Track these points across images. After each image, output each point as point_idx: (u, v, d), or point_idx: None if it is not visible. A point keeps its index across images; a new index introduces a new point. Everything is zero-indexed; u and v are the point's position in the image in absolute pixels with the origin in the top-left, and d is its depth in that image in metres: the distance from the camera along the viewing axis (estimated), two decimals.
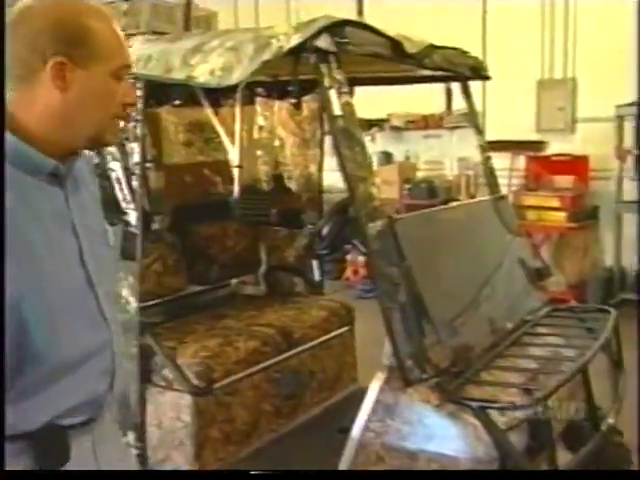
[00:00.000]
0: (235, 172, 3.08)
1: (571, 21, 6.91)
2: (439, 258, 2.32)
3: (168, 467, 2.71)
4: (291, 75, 2.66)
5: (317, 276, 2.94)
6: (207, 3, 4.05)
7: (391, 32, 2.22)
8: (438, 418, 1.98)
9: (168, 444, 2.71)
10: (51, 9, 1.36)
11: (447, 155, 8.06)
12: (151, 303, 3.07)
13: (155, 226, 3.25)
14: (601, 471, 2.05)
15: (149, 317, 2.88)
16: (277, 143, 3.63)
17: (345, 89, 2.04)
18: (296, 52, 2.04)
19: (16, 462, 1.38)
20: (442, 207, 3.72)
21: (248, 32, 2.18)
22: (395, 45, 2.20)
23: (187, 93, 3.13)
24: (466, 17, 7.39)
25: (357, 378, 3.54)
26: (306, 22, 2.03)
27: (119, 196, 2.58)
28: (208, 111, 3.01)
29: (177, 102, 3.15)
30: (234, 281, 3.77)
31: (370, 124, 7.63)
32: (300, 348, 3.12)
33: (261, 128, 3.65)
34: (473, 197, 7.41)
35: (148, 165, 3.14)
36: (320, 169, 3.58)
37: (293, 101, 2.47)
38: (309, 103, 3.44)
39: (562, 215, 6.55)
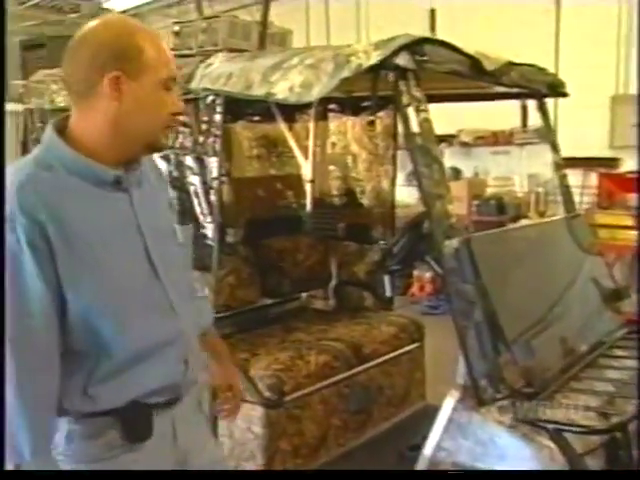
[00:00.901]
0: (308, 187, 3.12)
1: (637, 40, 6.76)
2: (514, 277, 2.29)
3: None
4: (368, 92, 2.70)
5: (388, 292, 2.93)
6: (282, 21, 4.12)
7: (469, 49, 2.22)
8: (512, 439, 1.95)
9: (238, 455, 2.75)
10: (106, 32, 1.54)
11: (516, 171, 7.97)
12: (224, 314, 3.12)
13: (229, 239, 3.30)
14: (601, 471, 1.98)
15: (222, 328, 2.92)
16: (350, 158, 3.66)
17: (423, 106, 2.05)
18: (375, 69, 2.06)
19: (104, 436, 1.57)
20: (518, 226, 3.68)
21: (327, 50, 2.21)
22: (474, 62, 2.19)
23: (262, 109, 3.20)
24: (539, 32, 7.31)
25: (425, 395, 3.52)
26: (385, 40, 2.04)
27: (197, 209, 2.64)
28: (282, 126, 3.05)
29: (253, 118, 3.21)
30: (304, 295, 3.80)
31: (439, 140, 7.61)
32: (370, 364, 3.13)
33: (334, 143, 3.68)
34: (543, 214, 7.31)
35: (223, 179, 3.20)
36: (393, 185, 3.58)
37: (369, 118, 2.48)
38: (382, 119, 3.46)
39: (635, 234, 6.38)
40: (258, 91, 2.28)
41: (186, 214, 2.66)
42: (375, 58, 2.01)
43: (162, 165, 2.76)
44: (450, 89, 2.89)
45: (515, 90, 2.69)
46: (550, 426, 1.90)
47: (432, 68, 2.06)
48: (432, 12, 8.21)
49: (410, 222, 2.44)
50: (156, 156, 2.77)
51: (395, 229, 3.54)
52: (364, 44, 2.10)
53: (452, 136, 8.02)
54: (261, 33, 3.58)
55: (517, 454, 1.95)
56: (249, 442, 2.70)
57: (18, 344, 1.44)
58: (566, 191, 2.96)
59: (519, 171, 7.93)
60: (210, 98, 2.46)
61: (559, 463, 1.90)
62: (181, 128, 2.64)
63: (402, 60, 2.00)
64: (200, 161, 2.61)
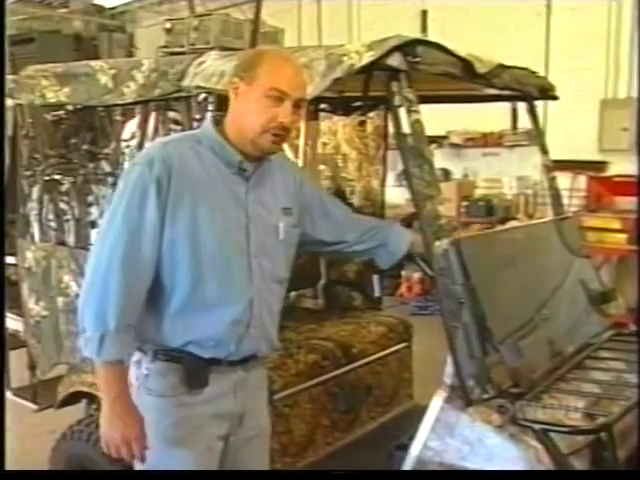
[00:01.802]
0: None
1: (637, 40, 6.79)
2: (503, 278, 2.31)
3: None
4: (359, 92, 2.70)
5: (377, 292, 2.95)
6: (274, 20, 4.13)
7: (461, 51, 2.23)
8: (499, 439, 1.97)
9: None
10: (249, 52, 2.10)
11: (506, 173, 8.00)
12: None
13: None
14: (601, 471, 2.00)
15: None
16: (340, 158, 3.66)
17: (415, 107, 2.06)
18: (367, 70, 2.07)
19: (170, 377, 1.97)
20: (507, 227, 3.69)
21: (320, 49, 2.21)
22: (465, 65, 2.21)
23: None
24: (529, 35, 7.35)
25: (413, 395, 3.53)
26: (378, 40, 2.05)
27: None
28: None
29: None
30: (293, 294, 3.81)
31: (429, 141, 7.63)
32: (359, 363, 3.13)
33: (325, 143, 3.68)
34: (532, 216, 7.35)
35: None
36: (383, 185, 3.59)
37: (360, 118, 2.49)
38: (373, 119, 3.47)
39: (623, 237, 6.43)
40: None
41: None
42: (367, 59, 2.01)
43: None
44: (441, 90, 2.90)
45: (506, 92, 2.70)
46: (536, 426, 1.92)
47: (424, 69, 2.07)
48: (423, 13, 8.24)
49: (400, 222, 2.44)
50: None
51: None
52: (356, 44, 2.11)
53: (442, 137, 8.05)
54: (253, 32, 3.59)
55: (504, 454, 1.96)
56: None
57: (129, 249, 1.85)
58: (555, 194, 2.98)
59: (508, 173, 7.97)
60: (202, 96, 2.46)
61: (545, 463, 1.91)
62: (172, 126, 2.64)
63: (394, 61, 2.00)
64: None
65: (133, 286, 1.88)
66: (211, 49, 3.10)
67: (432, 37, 2.26)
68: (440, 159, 8.00)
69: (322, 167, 3.75)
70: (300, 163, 3.10)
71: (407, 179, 2.07)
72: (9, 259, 3.27)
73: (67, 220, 3.07)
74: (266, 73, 1.89)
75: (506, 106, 2.91)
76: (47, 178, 3.10)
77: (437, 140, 7.87)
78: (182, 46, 3.59)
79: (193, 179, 1.91)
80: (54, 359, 3.16)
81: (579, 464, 1.96)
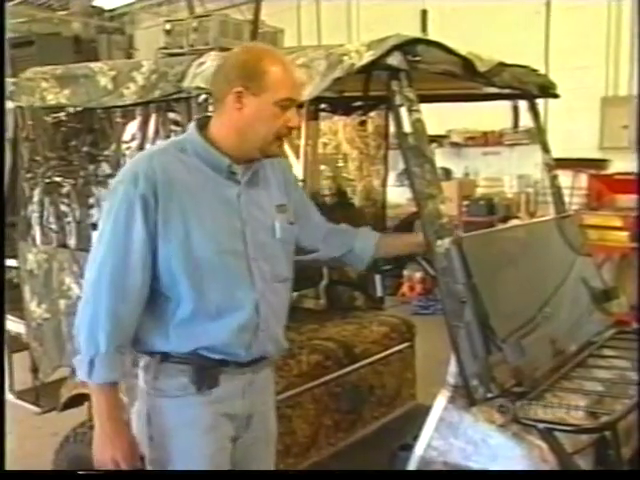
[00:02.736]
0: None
1: (637, 37, 6.79)
2: (505, 277, 2.30)
3: None
4: (359, 91, 2.70)
5: (379, 292, 2.95)
6: (273, 21, 4.12)
7: (461, 50, 2.22)
8: (503, 438, 1.96)
9: None
10: (242, 55, 1.95)
11: (506, 172, 8.00)
12: None
13: None
14: (601, 471, 2.00)
15: None
16: (341, 158, 3.66)
17: (415, 107, 2.05)
18: (368, 69, 2.06)
19: (179, 377, 1.97)
20: (509, 226, 3.68)
21: (320, 49, 2.20)
22: (466, 63, 2.20)
23: None
24: (529, 33, 7.34)
25: (416, 395, 3.53)
26: (378, 40, 2.04)
27: None
28: None
29: None
30: (295, 294, 3.80)
31: (429, 140, 7.63)
32: (361, 363, 3.13)
33: (325, 143, 3.68)
34: (533, 215, 7.34)
35: None
36: (384, 185, 3.59)
37: (361, 118, 2.48)
38: (374, 119, 3.46)
39: (624, 235, 6.42)
40: None
41: None
42: (367, 58, 2.00)
43: None
44: (442, 89, 2.90)
45: (506, 91, 2.70)
46: (540, 425, 1.91)
47: (425, 68, 2.06)
48: (423, 13, 8.23)
49: (401, 222, 2.44)
50: None
51: (386, 229, 3.54)
52: (356, 44, 2.10)
53: (442, 136, 8.04)
54: (252, 32, 3.58)
55: (508, 453, 1.95)
56: None
57: (116, 272, 1.85)
58: (557, 192, 2.97)
59: (509, 172, 7.97)
60: (202, 97, 2.45)
61: (550, 462, 1.90)
62: (173, 127, 2.64)
63: (394, 60, 1.99)
64: None
65: (122, 309, 1.88)
66: (210, 50, 3.10)
67: (432, 37, 2.25)
68: (441, 158, 8.00)
69: (323, 167, 3.75)
70: (301, 163, 3.09)
71: (408, 178, 2.06)
72: (10, 262, 3.27)
73: (68, 222, 3.06)
74: (276, 84, 1.89)
75: (506, 104, 2.90)
76: (48, 180, 3.10)
77: (437, 139, 7.86)
78: (181, 47, 3.59)
79: (181, 190, 1.88)
80: (56, 361, 3.15)
81: (583, 463, 1.95)
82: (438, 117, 3.57)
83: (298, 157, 3.20)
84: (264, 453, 2.22)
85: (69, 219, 3.06)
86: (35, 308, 3.18)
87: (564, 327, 2.48)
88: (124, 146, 2.81)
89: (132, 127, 2.77)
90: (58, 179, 3.07)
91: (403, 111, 2.07)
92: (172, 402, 1.99)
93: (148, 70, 2.67)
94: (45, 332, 3.16)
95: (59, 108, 3.00)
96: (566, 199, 3.12)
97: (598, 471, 1.98)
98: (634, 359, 2.42)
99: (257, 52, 1.95)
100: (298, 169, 3.25)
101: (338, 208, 3.69)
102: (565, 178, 6.56)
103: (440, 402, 2.06)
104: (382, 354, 3.27)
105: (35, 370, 3.30)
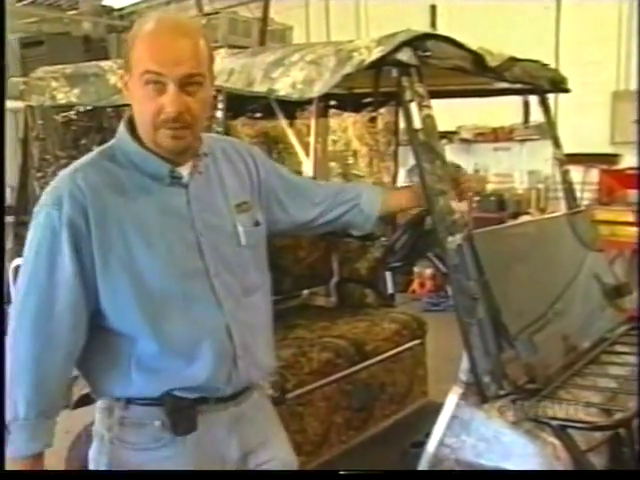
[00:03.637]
0: None
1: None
2: (517, 273, 2.29)
3: None
4: (369, 88, 2.69)
5: (390, 289, 2.94)
6: (282, 18, 4.11)
7: (471, 45, 2.21)
8: (515, 435, 1.95)
9: None
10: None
11: (517, 168, 7.97)
12: None
13: None
14: (601, 471, 1.98)
15: None
16: (351, 155, 3.65)
17: (426, 102, 2.04)
18: (377, 65, 2.05)
19: (150, 425, 1.64)
20: (520, 222, 3.67)
21: (329, 45, 2.19)
22: (477, 58, 2.18)
23: (263, 105, 3.19)
24: (539, 27, 7.30)
25: (427, 392, 3.52)
26: (387, 35, 2.03)
27: None
28: (283, 123, 3.04)
29: (254, 114, 3.20)
30: (305, 292, 3.80)
31: (439, 136, 7.61)
32: (372, 360, 3.13)
33: (335, 140, 3.67)
34: (543, 211, 7.31)
35: None
36: (394, 181, 3.58)
37: (371, 114, 2.47)
38: (384, 115, 3.45)
39: (636, 230, 6.38)
40: (260, 87, 2.27)
41: None
42: (377, 54, 1.99)
43: None
44: (452, 85, 2.88)
45: (517, 86, 2.68)
46: (554, 422, 1.90)
47: (435, 64, 2.05)
48: (433, 8, 8.20)
49: (412, 219, 2.42)
50: None
51: (396, 225, 3.53)
52: (366, 40, 2.09)
53: (452, 133, 8.02)
54: (261, 29, 3.58)
55: (521, 451, 1.94)
56: None
57: (38, 317, 1.53)
58: (568, 187, 2.95)
59: (519, 167, 7.94)
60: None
61: (563, 460, 1.89)
62: None
63: (404, 56, 1.98)
64: None
65: (48, 360, 1.55)
66: (219, 48, 3.09)
67: (441, 32, 2.23)
68: (451, 155, 7.95)
69: (333, 164, 3.74)
70: (311, 161, 3.09)
71: (419, 175, 2.05)
72: (21, 261, 3.27)
73: None
74: (138, 53, 1.51)
75: (516, 100, 2.89)
76: None
77: (447, 136, 7.83)
78: None
79: (117, 209, 1.55)
80: None
81: (597, 461, 1.94)
82: (448, 113, 3.55)
83: (308, 154, 3.18)
84: None
85: None
86: None
87: (576, 323, 2.46)
88: None
89: None
90: None
91: (413, 107, 2.06)
92: (142, 456, 1.65)
93: None
94: None
95: (69, 107, 3.01)
96: (577, 194, 3.10)
97: (599, 471, 1.96)
98: None
99: (140, 21, 1.59)
100: (308, 166, 3.23)
101: None
102: (576, 173, 6.51)
103: (452, 399, 2.06)
104: (393, 351, 3.26)
105: None
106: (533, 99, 2.85)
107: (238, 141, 1.86)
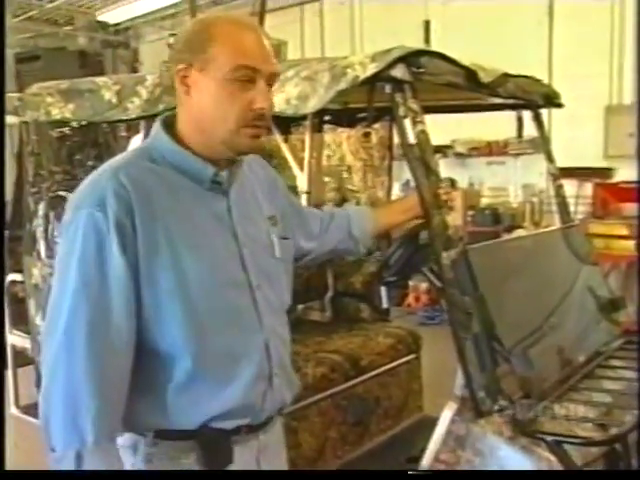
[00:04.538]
0: (303, 198, 3.11)
1: (636, 45, 6.78)
2: (512, 288, 2.29)
3: None
4: (363, 103, 2.69)
5: (385, 303, 2.93)
6: (277, 33, 4.12)
7: (464, 61, 2.22)
8: (511, 451, 1.94)
9: None
10: (191, 25, 1.51)
11: (511, 182, 7.99)
12: None
13: None
14: (601, 471, 1.98)
15: None
16: (345, 169, 3.67)
17: (420, 118, 2.05)
18: (371, 81, 2.05)
19: (177, 462, 1.50)
20: (515, 236, 3.68)
21: (323, 61, 2.21)
22: (470, 74, 2.20)
23: None
24: (532, 42, 7.35)
25: (422, 406, 3.51)
26: (382, 52, 2.04)
27: None
28: (278, 138, 3.05)
29: None
30: (300, 307, 3.79)
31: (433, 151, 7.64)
32: (367, 375, 3.12)
33: (329, 155, 3.68)
34: (538, 224, 7.32)
35: None
36: (389, 196, 3.59)
37: (365, 129, 2.47)
38: (378, 130, 3.47)
39: (631, 243, 6.39)
40: None
41: None
42: (371, 70, 2.00)
43: None
44: (445, 100, 2.90)
45: (510, 101, 2.70)
46: (549, 438, 1.89)
47: (428, 80, 2.06)
48: (426, 24, 8.24)
49: (407, 233, 2.43)
50: None
51: (391, 240, 3.53)
52: (360, 56, 2.10)
53: (446, 147, 8.04)
54: None
55: (516, 466, 1.94)
56: None
57: (94, 325, 1.37)
58: (562, 201, 2.96)
59: (514, 181, 7.96)
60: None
61: None
62: None
63: (398, 72, 1.99)
64: None
65: (111, 373, 1.40)
66: None
67: (435, 47, 2.25)
68: (445, 169, 7.99)
69: (327, 179, 3.75)
70: (305, 175, 3.09)
71: (416, 189, 2.05)
72: (16, 276, 3.27)
73: None
74: (225, 49, 1.43)
75: (510, 114, 2.90)
76: (52, 195, 3.11)
77: (441, 150, 7.85)
78: None
79: (163, 210, 1.44)
80: None
81: None
82: (442, 127, 3.57)
83: (302, 169, 3.19)
84: None
85: None
86: (40, 322, 3.18)
87: (571, 337, 2.47)
88: None
89: (136, 141, 2.78)
90: (63, 193, 3.08)
91: (407, 122, 2.07)
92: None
93: (152, 84, 2.68)
94: None
95: (64, 122, 3.01)
96: (571, 208, 3.11)
97: (599, 471, 1.96)
98: None
99: (208, 19, 1.50)
100: (302, 181, 3.23)
101: None
102: (570, 187, 6.55)
103: (447, 414, 2.05)
104: (388, 366, 3.27)
105: (40, 385, 3.29)
106: (527, 113, 2.87)
107: (261, 159, 1.80)
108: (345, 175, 3.68)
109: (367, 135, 3.42)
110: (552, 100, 2.86)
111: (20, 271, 3.28)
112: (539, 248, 2.68)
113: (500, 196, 8.04)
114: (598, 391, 2.22)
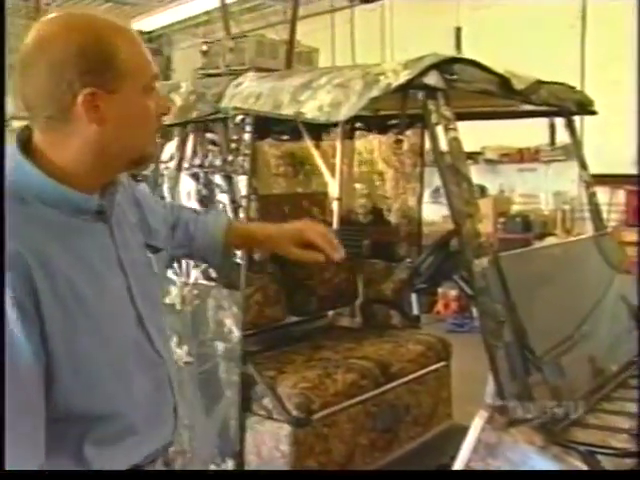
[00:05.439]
0: (334, 204, 3.12)
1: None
2: (544, 296, 2.27)
3: None
4: (395, 110, 2.70)
5: (415, 310, 2.93)
6: (308, 40, 4.15)
7: (497, 68, 2.22)
8: (542, 460, 1.92)
9: None
10: (69, 37, 1.22)
11: (542, 189, 7.93)
12: (251, 332, 3.13)
13: (256, 257, 3.32)
14: (601, 471, 1.94)
15: (249, 346, 2.93)
16: (377, 176, 3.67)
17: (452, 125, 2.05)
18: (404, 89, 2.06)
19: None
20: (546, 244, 3.65)
21: (356, 69, 2.22)
22: (503, 81, 2.19)
23: (289, 127, 3.22)
24: (564, 48, 7.30)
25: (452, 414, 3.49)
26: (414, 59, 2.05)
27: None
28: (309, 145, 3.07)
29: (281, 136, 3.24)
30: (331, 313, 3.80)
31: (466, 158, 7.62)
32: (397, 382, 3.12)
33: (361, 162, 3.70)
34: (569, 232, 7.25)
35: (252, 197, 3.22)
36: (420, 202, 3.59)
37: (398, 137, 2.48)
38: (409, 137, 3.47)
39: None
40: (287, 110, 2.30)
41: None
42: (404, 77, 2.01)
43: (191, 184, 2.79)
44: (478, 107, 2.89)
45: (543, 108, 2.68)
46: (582, 448, 1.87)
47: (461, 87, 2.06)
48: (457, 30, 8.22)
49: (438, 240, 2.43)
50: (185, 174, 2.81)
51: (422, 247, 3.53)
52: (393, 63, 2.11)
53: (477, 153, 8.00)
54: (288, 52, 3.60)
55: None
56: (276, 460, 2.69)
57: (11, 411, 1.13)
58: (595, 209, 2.94)
59: (545, 188, 7.90)
60: (239, 117, 2.48)
61: None
62: (210, 147, 2.66)
63: (431, 80, 2.00)
64: (229, 179, 2.63)
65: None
66: (247, 70, 3.13)
67: (466, 54, 2.25)
68: (475, 175, 7.92)
69: (358, 186, 3.76)
70: (337, 182, 3.10)
71: (446, 197, 2.05)
72: None
73: None
74: (135, 59, 1.27)
75: (542, 120, 2.89)
76: None
77: (472, 156, 7.82)
78: (218, 67, 3.63)
79: (60, 266, 1.21)
80: None
81: None
82: (472, 134, 3.56)
83: (333, 175, 3.20)
84: None
85: None
86: None
87: (604, 346, 2.44)
88: (162, 166, 2.84)
89: (170, 147, 2.81)
90: None
91: (439, 129, 2.07)
92: None
93: (186, 91, 2.71)
94: None
95: None
96: (604, 216, 3.08)
97: (599, 471, 1.93)
98: None
99: (88, 27, 1.24)
100: (334, 187, 3.25)
101: (373, 226, 3.69)
102: (602, 194, 6.47)
103: (478, 423, 2.04)
104: (418, 373, 3.25)
105: None
106: (559, 120, 2.85)
107: None
108: (376, 182, 3.69)
109: (399, 142, 3.43)
110: (585, 107, 2.84)
111: None
112: (571, 256, 2.66)
113: (531, 203, 7.98)
114: (632, 401, 2.19)
